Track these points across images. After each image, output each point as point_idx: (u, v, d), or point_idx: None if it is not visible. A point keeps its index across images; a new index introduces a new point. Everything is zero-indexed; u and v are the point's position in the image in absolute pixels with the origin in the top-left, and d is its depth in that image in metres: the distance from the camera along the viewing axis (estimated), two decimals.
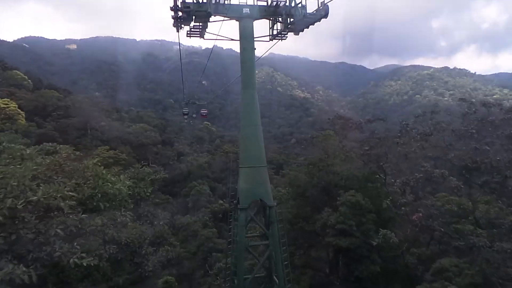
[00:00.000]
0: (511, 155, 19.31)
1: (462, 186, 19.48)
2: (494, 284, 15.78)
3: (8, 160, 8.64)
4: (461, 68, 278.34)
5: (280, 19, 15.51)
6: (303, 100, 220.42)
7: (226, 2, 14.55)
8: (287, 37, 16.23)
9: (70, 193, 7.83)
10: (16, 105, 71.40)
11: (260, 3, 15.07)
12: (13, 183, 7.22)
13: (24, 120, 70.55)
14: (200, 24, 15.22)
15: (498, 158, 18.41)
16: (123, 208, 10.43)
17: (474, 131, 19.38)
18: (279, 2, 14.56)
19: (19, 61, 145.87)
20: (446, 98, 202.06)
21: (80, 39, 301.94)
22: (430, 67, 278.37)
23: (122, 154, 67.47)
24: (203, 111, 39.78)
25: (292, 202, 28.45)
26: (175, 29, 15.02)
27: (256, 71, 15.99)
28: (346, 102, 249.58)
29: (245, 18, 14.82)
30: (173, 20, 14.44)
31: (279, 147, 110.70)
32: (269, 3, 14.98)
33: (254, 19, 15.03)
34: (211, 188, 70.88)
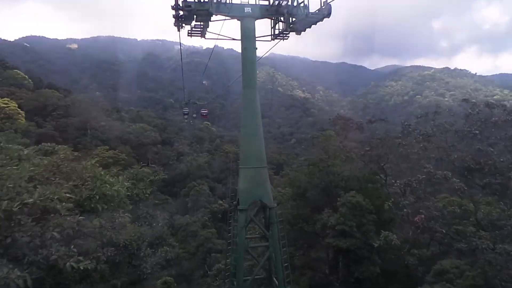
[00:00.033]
0: None
1: (466, 188, 19.31)
2: (496, 286, 15.65)
3: (4, 161, 8.50)
4: (462, 68, 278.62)
5: (282, 18, 15.35)
6: (304, 100, 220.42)
7: (227, 1, 14.40)
8: (288, 36, 16.09)
9: (68, 195, 7.71)
10: (16, 105, 71.30)
11: (262, 2, 14.92)
12: (9, 185, 7.10)
13: (24, 119, 70.44)
14: (201, 23, 15.08)
15: (501, 160, 18.27)
16: (121, 209, 10.29)
17: (477, 132, 19.23)
18: (281, 2, 14.38)
19: (20, 61, 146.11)
20: (446, 99, 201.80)
21: (81, 39, 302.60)
22: (431, 68, 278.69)
23: (121, 154, 67.45)
24: (203, 111, 39.66)
25: (292, 203, 28.31)
26: (176, 28, 14.91)
27: (257, 71, 15.84)
28: (346, 102, 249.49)
29: (246, 18, 14.67)
30: (174, 19, 14.34)
31: (279, 147, 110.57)
32: (271, 2, 14.83)
33: (255, 18, 14.88)
34: (210, 188, 70.82)
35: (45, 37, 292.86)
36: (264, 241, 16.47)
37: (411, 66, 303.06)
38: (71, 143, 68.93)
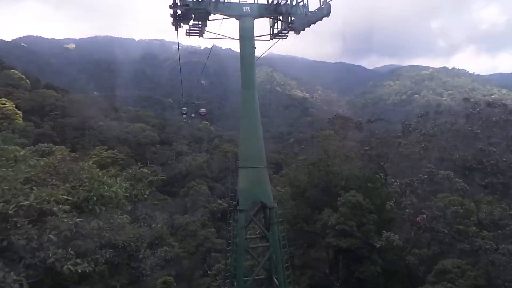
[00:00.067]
0: None
1: (468, 188, 19.22)
2: (499, 286, 15.55)
3: (0, 163, 8.36)
4: (459, 68, 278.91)
5: (280, 17, 15.25)
6: (302, 100, 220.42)
7: (226, 0, 14.28)
8: (287, 36, 16.00)
9: (64, 196, 7.58)
10: (14, 105, 71.09)
11: (260, 1, 14.83)
12: (4, 187, 6.97)
13: (21, 120, 70.21)
14: (200, 22, 14.98)
15: (504, 160, 18.19)
16: (120, 210, 10.16)
17: (478, 131, 19.14)
18: (280, 1, 14.27)
19: (17, 61, 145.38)
20: (444, 98, 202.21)
21: (79, 39, 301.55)
22: (429, 67, 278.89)
23: (120, 154, 67.29)
24: (202, 110, 39.50)
25: (292, 202, 28.22)
26: (174, 28, 14.78)
27: (256, 71, 15.71)
28: (345, 102, 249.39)
29: (245, 17, 14.55)
30: (172, 19, 14.20)
31: (278, 147, 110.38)
32: (269, 2, 14.72)
33: (254, 17, 14.77)
34: (209, 188, 70.63)
35: (42, 37, 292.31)
36: (264, 241, 16.38)
37: (409, 65, 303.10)
38: (69, 143, 68.97)
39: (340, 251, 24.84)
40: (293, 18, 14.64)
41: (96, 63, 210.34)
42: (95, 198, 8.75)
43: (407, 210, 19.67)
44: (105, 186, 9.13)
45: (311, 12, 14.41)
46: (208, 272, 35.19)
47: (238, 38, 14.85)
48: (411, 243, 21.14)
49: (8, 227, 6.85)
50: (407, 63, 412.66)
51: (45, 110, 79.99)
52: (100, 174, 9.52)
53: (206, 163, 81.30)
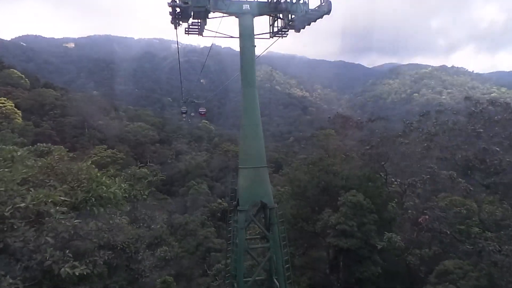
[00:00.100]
0: None
1: (472, 188, 19.05)
2: (501, 287, 15.41)
3: None
4: (459, 66, 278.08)
5: (281, 15, 15.09)
6: (302, 99, 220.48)
7: None
8: (287, 34, 15.83)
9: (62, 198, 7.44)
10: (13, 104, 70.94)
11: None
12: (0, 188, 6.84)
13: (20, 119, 70.05)
14: (199, 20, 14.81)
15: (508, 159, 18.03)
16: (119, 211, 10.03)
17: (481, 130, 18.95)
18: None
19: (16, 60, 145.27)
20: (444, 97, 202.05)
21: (78, 38, 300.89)
22: (428, 66, 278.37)
23: (119, 153, 67.24)
24: (202, 109, 39.28)
25: (292, 202, 28.12)
26: (173, 26, 14.62)
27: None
28: (344, 101, 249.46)
29: (245, 15, 14.38)
30: (171, 17, 14.04)
31: (278, 146, 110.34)
32: None
33: (254, 15, 14.59)
34: (209, 187, 70.56)
35: (41, 36, 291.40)
36: (264, 241, 16.24)
37: (409, 64, 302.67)
38: (68, 142, 68.92)
39: (341, 251, 24.73)
40: (293, 16, 14.49)
41: (96, 62, 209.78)
42: (93, 199, 8.62)
43: (409, 211, 19.49)
44: (103, 187, 9.00)
45: (311, 9, 14.25)
46: (208, 271, 35.08)
47: (238, 36, 14.68)
48: (413, 244, 20.91)
49: (5, 229, 6.73)
50: (406, 61, 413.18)
51: (44, 109, 79.81)
52: (98, 174, 9.37)
53: (206, 162, 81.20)
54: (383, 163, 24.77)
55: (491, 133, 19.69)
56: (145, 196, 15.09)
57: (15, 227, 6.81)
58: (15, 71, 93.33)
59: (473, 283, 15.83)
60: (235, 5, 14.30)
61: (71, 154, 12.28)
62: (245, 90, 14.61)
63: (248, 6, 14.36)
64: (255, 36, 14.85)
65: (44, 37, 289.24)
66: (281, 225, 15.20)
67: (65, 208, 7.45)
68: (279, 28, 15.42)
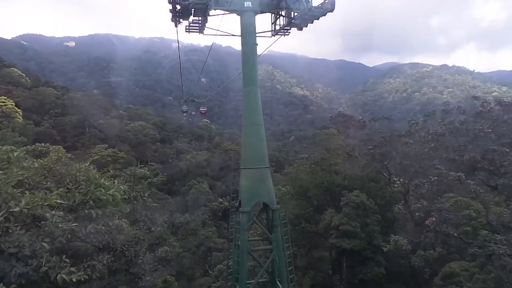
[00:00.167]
0: None
1: (482, 191, 18.66)
2: None
3: None
4: (460, 65, 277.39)
5: (283, 13, 14.78)
6: (302, 98, 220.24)
7: None
8: (290, 32, 15.50)
9: (58, 201, 7.20)
10: (13, 103, 70.77)
11: None
12: None
13: (21, 118, 69.85)
14: (200, 18, 14.51)
15: None
16: (118, 213, 9.77)
17: (489, 130, 18.58)
18: None
19: (17, 59, 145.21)
20: (445, 96, 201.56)
21: (79, 37, 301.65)
22: (429, 65, 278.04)
23: (120, 153, 67.06)
24: (202, 108, 39.02)
25: (293, 202, 27.86)
26: (173, 24, 14.35)
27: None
28: (345, 100, 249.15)
29: (246, 12, 14.06)
30: (171, 15, 13.78)
31: (279, 145, 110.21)
32: None
33: (256, 13, 14.27)
34: (210, 186, 70.43)
35: (42, 35, 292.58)
36: (267, 243, 15.96)
37: (409, 63, 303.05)
38: (69, 141, 68.83)
39: (344, 252, 24.50)
40: (296, 14, 14.20)
41: (96, 61, 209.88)
42: (91, 202, 8.36)
43: (417, 214, 19.15)
44: (102, 188, 8.74)
45: (314, 7, 13.95)
46: (209, 271, 34.90)
47: (239, 34, 14.36)
48: (420, 247, 20.49)
49: (0, 233, 6.48)
50: (407, 60, 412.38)
51: (45, 108, 79.64)
52: (97, 176, 9.11)
53: (207, 161, 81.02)
54: (386, 163, 24.48)
55: (498, 134, 19.31)
56: (145, 198, 14.81)
57: (10, 231, 6.55)
58: (16, 70, 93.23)
59: (480, 285, 15.55)
60: (236, 2, 13.95)
61: (69, 155, 12.02)
62: (247, 89, 14.29)
63: (250, 3, 14.02)
64: (257, 34, 14.54)
65: (45, 36, 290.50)
66: (284, 226, 14.91)
67: (61, 213, 7.19)
68: (281, 26, 15.11)
